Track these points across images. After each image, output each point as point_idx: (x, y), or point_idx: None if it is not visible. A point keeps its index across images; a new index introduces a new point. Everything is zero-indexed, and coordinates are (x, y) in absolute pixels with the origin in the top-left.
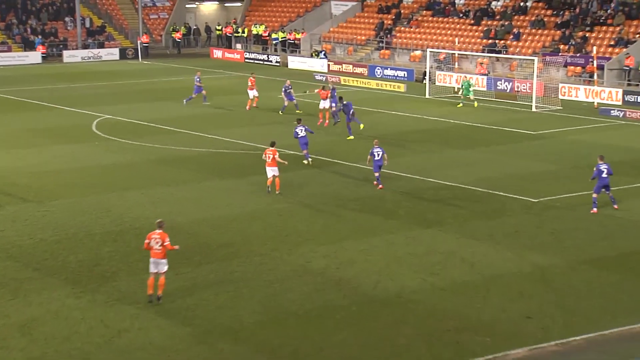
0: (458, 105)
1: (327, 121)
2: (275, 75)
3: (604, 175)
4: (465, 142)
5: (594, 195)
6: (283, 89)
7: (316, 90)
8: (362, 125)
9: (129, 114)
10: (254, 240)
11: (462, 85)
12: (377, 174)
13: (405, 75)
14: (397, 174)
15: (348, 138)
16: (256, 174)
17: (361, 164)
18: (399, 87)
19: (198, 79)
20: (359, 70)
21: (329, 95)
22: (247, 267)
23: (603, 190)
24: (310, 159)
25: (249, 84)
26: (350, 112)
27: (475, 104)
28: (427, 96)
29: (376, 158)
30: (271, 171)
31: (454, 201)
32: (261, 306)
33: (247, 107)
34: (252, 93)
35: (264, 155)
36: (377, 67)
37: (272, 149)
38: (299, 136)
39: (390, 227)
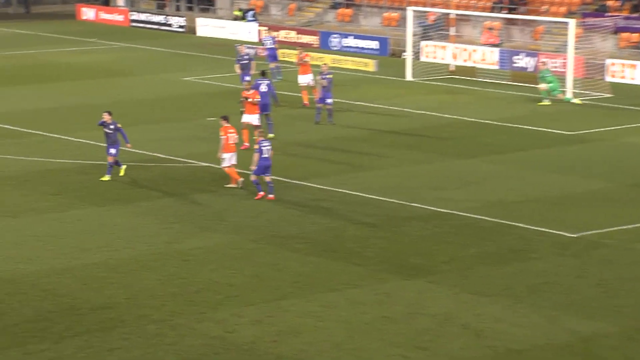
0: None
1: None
2: (180, 47)
3: None
4: (467, 147)
5: None
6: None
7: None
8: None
9: None
10: (145, 300)
11: (541, 76)
12: (254, 179)
13: (376, 47)
14: (364, 195)
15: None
16: (150, 197)
17: (308, 182)
18: (366, 65)
19: (272, 40)
20: (306, 39)
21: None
22: (136, 341)
23: None
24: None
25: (300, 61)
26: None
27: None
28: (408, 78)
29: (264, 155)
30: (229, 159)
31: (450, 237)
32: None
33: (306, 101)
34: (306, 78)
35: (222, 135)
36: (334, 35)
37: (229, 124)
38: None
39: (353, 276)
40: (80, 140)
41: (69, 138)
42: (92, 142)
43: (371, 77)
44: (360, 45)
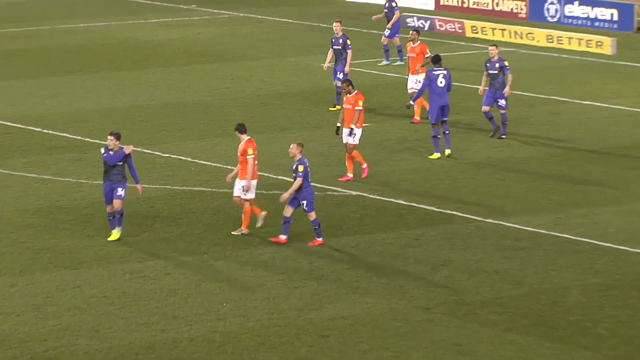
0: None
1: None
2: (321, 17)
3: None
4: None
5: None
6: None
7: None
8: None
9: None
10: None
11: None
12: (314, 219)
13: (614, 18)
14: (594, 242)
15: (434, 156)
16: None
17: (507, 221)
18: (600, 46)
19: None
20: (507, 5)
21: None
22: None
23: None
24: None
25: (407, 54)
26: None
27: None
28: None
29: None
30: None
31: None
32: None
33: (416, 118)
34: (414, 80)
35: (251, 155)
36: (550, 1)
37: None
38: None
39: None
40: (171, 155)
41: (155, 152)
42: (188, 159)
43: (606, 63)
44: (590, 16)
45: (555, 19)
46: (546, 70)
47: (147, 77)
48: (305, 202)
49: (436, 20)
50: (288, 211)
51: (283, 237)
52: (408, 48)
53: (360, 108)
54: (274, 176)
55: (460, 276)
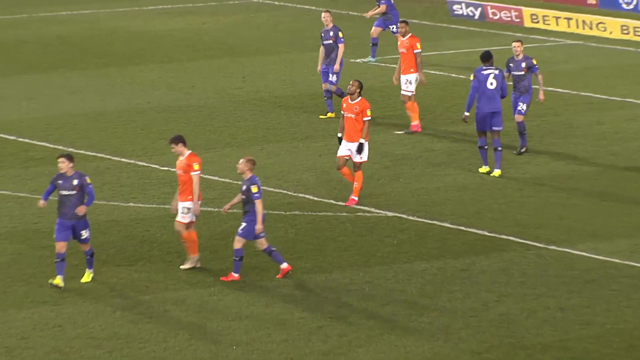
0: None
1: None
2: (348, 4)
3: None
4: None
5: None
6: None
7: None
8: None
9: None
10: None
11: None
12: (238, 249)
13: None
14: None
15: (483, 170)
16: (292, 271)
17: (572, 248)
18: None
19: None
20: None
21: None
22: None
23: None
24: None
25: (398, 49)
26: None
27: None
28: None
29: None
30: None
31: None
32: None
33: (414, 125)
34: (404, 80)
35: (196, 170)
36: None
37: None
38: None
39: None
40: (170, 168)
41: (151, 165)
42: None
43: None
44: None
45: (631, 7)
46: (620, 67)
47: (143, 75)
48: (244, 225)
49: (488, 8)
50: (239, 244)
51: (284, 266)
52: (398, 43)
53: (369, 118)
54: (293, 194)
55: (517, 314)
